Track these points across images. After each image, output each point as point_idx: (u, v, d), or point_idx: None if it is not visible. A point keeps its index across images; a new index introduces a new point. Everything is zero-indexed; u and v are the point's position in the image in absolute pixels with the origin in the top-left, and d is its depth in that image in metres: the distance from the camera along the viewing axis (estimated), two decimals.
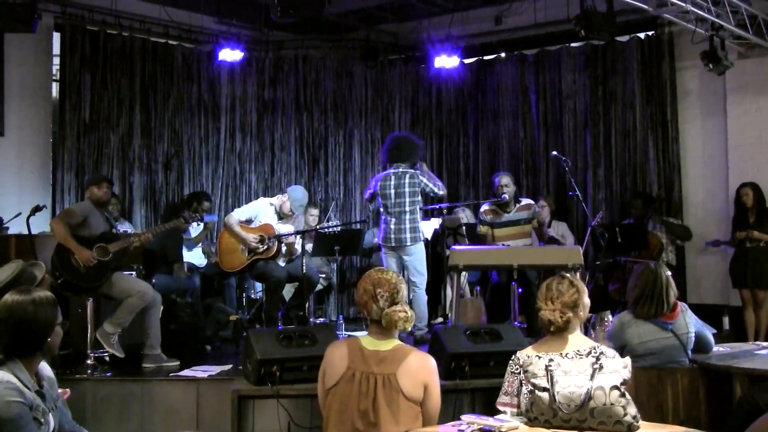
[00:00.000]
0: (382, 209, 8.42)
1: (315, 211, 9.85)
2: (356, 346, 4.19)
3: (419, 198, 8.34)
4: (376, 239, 8.64)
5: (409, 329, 4.22)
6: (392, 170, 8.36)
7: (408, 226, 8.24)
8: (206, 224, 9.17)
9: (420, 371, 4.10)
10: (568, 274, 4.24)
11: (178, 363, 6.96)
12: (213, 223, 9.64)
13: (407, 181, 8.25)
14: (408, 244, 8.23)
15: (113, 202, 8.72)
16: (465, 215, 9.92)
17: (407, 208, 8.24)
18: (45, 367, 3.72)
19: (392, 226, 8.27)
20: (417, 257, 8.30)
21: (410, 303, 8.30)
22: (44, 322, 3.54)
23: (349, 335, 7.10)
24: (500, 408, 4.05)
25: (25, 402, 3.37)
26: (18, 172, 9.60)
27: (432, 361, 4.19)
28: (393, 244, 8.29)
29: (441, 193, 8.43)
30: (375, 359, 4.11)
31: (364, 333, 4.29)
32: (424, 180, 8.29)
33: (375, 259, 10.34)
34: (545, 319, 4.02)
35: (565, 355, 3.91)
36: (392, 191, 8.28)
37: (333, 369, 4.18)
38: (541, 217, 8.69)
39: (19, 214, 8.15)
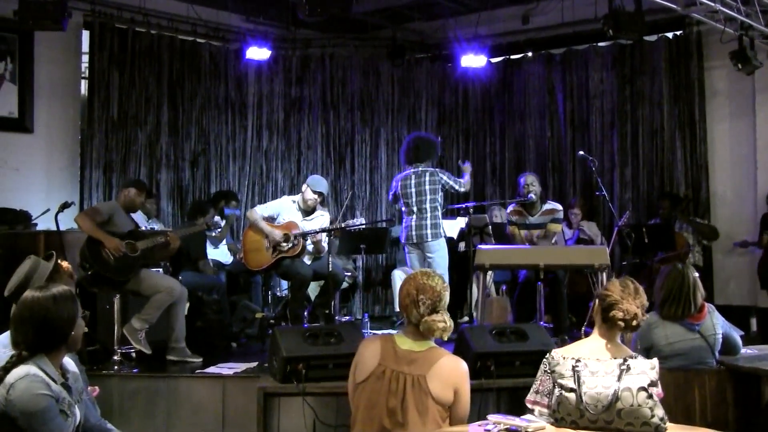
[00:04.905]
0: (404, 208, 8.53)
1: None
2: (390, 343, 4.16)
3: (440, 196, 8.47)
4: (400, 239, 8.70)
5: (446, 339, 4.17)
6: (412, 170, 8.50)
7: (429, 222, 8.34)
8: (227, 217, 9.19)
9: (452, 375, 4.07)
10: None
11: (201, 360, 6.98)
12: (234, 216, 9.65)
13: (427, 179, 8.38)
14: (429, 240, 8.32)
15: (150, 201, 8.91)
16: (499, 214, 9.84)
17: (428, 206, 8.36)
18: (68, 362, 3.76)
19: (413, 223, 8.39)
20: (439, 254, 8.38)
21: None
22: (66, 317, 3.58)
23: (374, 333, 7.09)
24: (529, 405, 4.02)
25: (52, 395, 3.43)
26: (46, 169, 9.68)
27: (464, 366, 4.14)
28: (415, 241, 8.39)
29: (463, 189, 8.55)
30: (407, 359, 4.09)
31: (389, 331, 4.28)
32: (444, 177, 8.46)
33: (401, 255, 10.32)
34: (630, 312, 3.89)
35: (598, 359, 3.87)
36: (413, 190, 8.41)
37: (364, 364, 4.16)
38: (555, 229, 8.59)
39: (48, 210, 8.21)
